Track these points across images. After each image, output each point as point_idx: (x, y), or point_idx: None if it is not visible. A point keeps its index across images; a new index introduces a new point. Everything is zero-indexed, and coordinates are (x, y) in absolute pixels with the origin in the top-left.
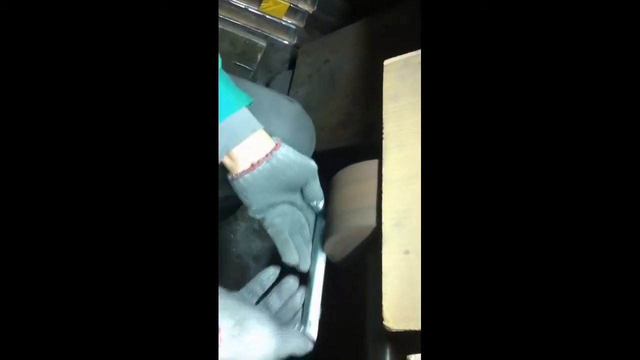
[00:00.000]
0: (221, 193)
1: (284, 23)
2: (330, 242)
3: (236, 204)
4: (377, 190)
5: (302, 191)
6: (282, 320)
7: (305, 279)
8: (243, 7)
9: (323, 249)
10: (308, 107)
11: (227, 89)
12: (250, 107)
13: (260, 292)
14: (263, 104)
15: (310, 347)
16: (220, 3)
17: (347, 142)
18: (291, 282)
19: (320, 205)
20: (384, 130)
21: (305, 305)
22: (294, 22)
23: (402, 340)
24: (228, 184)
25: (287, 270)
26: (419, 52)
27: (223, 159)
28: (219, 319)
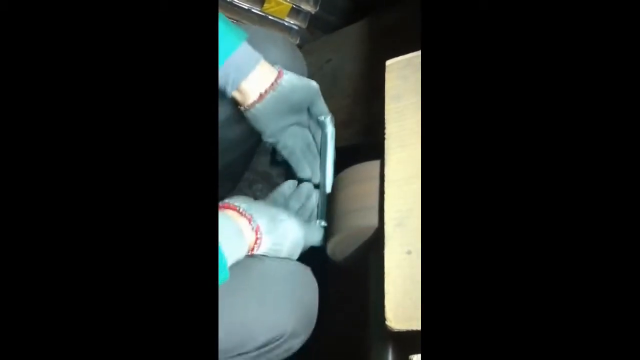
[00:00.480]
0: (238, 131)
1: (286, 24)
2: (332, 242)
3: (244, 163)
4: (379, 191)
5: (308, 110)
6: (302, 219)
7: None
8: (246, 8)
9: (331, 161)
10: None
11: (226, 28)
12: (247, 41)
13: (282, 200)
14: (257, 37)
15: (321, 239)
16: (222, 4)
17: (348, 142)
18: (307, 186)
19: (327, 119)
20: (386, 131)
21: (320, 204)
22: (296, 22)
23: (405, 340)
24: (233, 148)
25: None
26: (420, 52)
27: (233, 93)
28: (256, 218)
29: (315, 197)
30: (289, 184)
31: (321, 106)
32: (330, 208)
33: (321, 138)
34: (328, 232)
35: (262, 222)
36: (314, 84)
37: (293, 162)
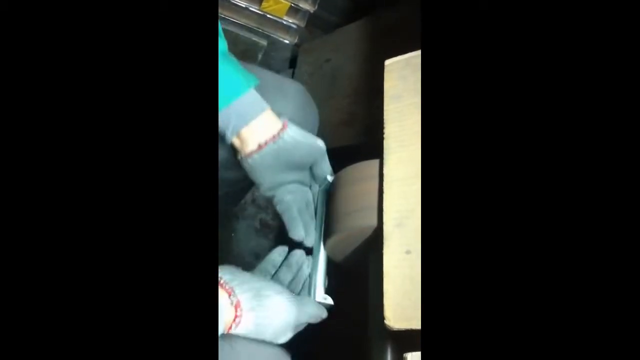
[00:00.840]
0: (232, 174)
1: (284, 22)
2: (331, 242)
3: (248, 185)
4: (378, 190)
5: (311, 169)
6: (294, 292)
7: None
8: (244, 6)
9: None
10: None
11: (234, 71)
12: (256, 88)
13: (273, 270)
14: (268, 85)
15: (325, 314)
16: (220, 2)
17: (348, 142)
18: (299, 254)
19: (330, 179)
20: (386, 130)
21: (312, 275)
22: (295, 21)
23: (404, 339)
24: (240, 165)
25: (293, 246)
26: (420, 51)
27: (232, 139)
28: (237, 293)
29: (307, 266)
30: (279, 251)
31: (324, 167)
32: (328, 207)
33: (318, 197)
34: (327, 232)
35: (244, 297)
36: (320, 143)
37: (287, 220)
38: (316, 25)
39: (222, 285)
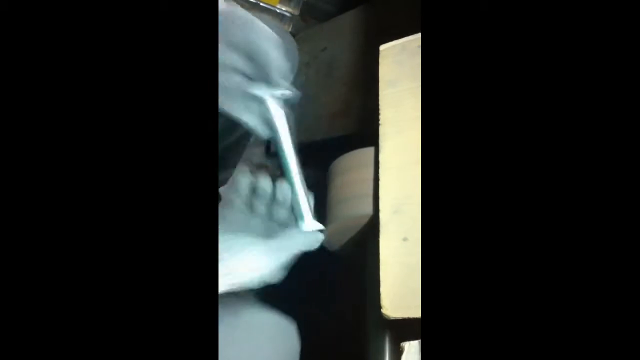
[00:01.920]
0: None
1: (278, 10)
2: (327, 231)
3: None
4: (374, 178)
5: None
6: (280, 221)
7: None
8: None
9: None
10: (306, 96)
11: None
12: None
13: (237, 199)
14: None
15: (320, 237)
16: None
17: (346, 131)
18: (264, 182)
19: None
20: (382, 117)
21: (294, 206)
22: (288, 9)
23: (401, 328)
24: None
25: None
26: (416, 36)
27: None
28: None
29: (286, 188)
30: (245, 178)
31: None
32: (325, 197)
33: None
34: (323, 221)
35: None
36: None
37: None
38: (311, 13)
39: None
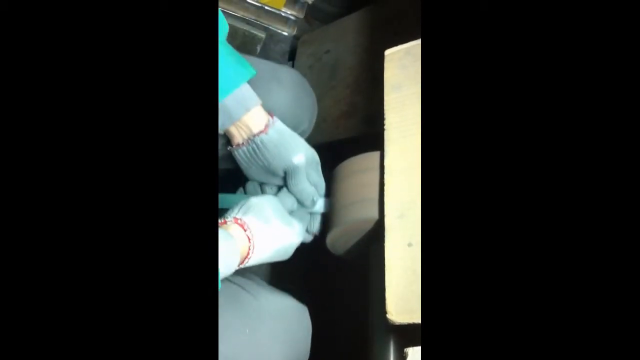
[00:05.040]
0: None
1: (283, 14)
2: (332, 234)
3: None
4: (379, 182)
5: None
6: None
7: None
8: None
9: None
10: None
11: (232, 61)
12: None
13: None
14: (264, 74)
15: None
16: None
17: (349, 133)
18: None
19: (318, 205)
20: (386, 121)
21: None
22: (293, 12)
23: (406, 333)
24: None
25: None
26: (420, 41)
27: (224, 130)
28: (248, 225)
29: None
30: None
31: (310, 182)
32: (330, 200)
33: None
34: (328, 225)
35: (252, 223)
36: (301, 148)
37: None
38: (315, 16)
39: (235, 220)
